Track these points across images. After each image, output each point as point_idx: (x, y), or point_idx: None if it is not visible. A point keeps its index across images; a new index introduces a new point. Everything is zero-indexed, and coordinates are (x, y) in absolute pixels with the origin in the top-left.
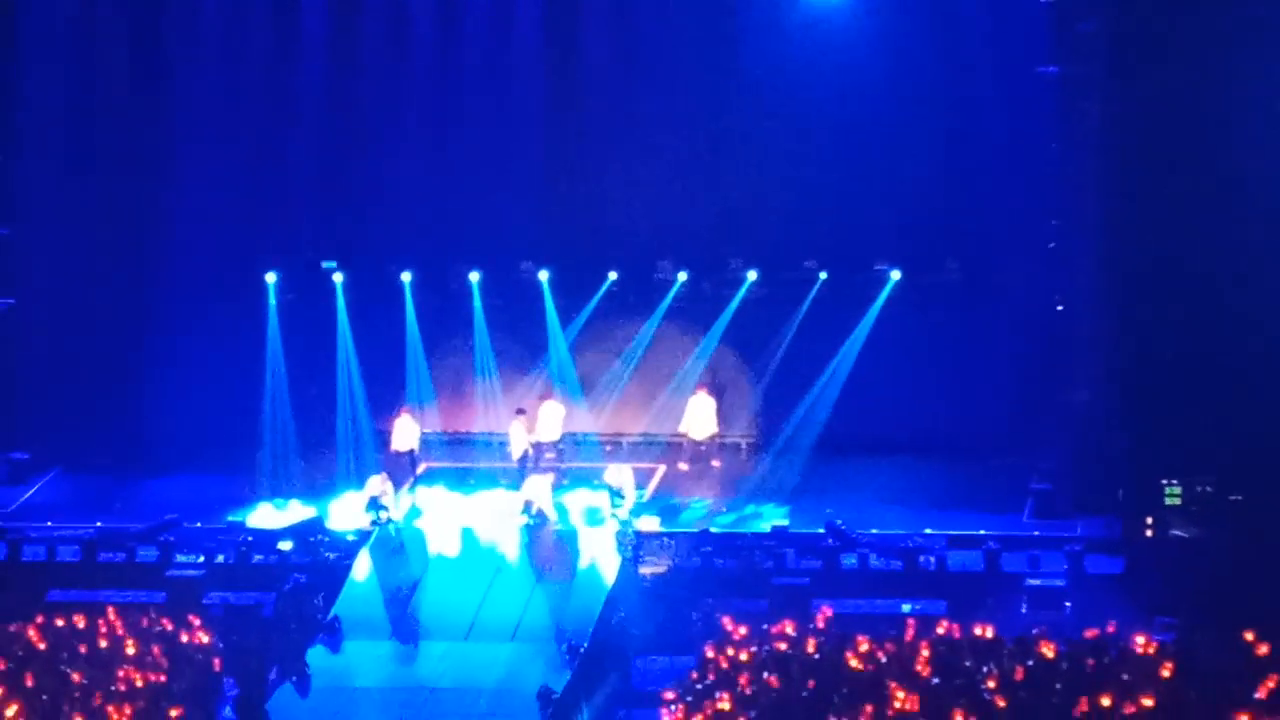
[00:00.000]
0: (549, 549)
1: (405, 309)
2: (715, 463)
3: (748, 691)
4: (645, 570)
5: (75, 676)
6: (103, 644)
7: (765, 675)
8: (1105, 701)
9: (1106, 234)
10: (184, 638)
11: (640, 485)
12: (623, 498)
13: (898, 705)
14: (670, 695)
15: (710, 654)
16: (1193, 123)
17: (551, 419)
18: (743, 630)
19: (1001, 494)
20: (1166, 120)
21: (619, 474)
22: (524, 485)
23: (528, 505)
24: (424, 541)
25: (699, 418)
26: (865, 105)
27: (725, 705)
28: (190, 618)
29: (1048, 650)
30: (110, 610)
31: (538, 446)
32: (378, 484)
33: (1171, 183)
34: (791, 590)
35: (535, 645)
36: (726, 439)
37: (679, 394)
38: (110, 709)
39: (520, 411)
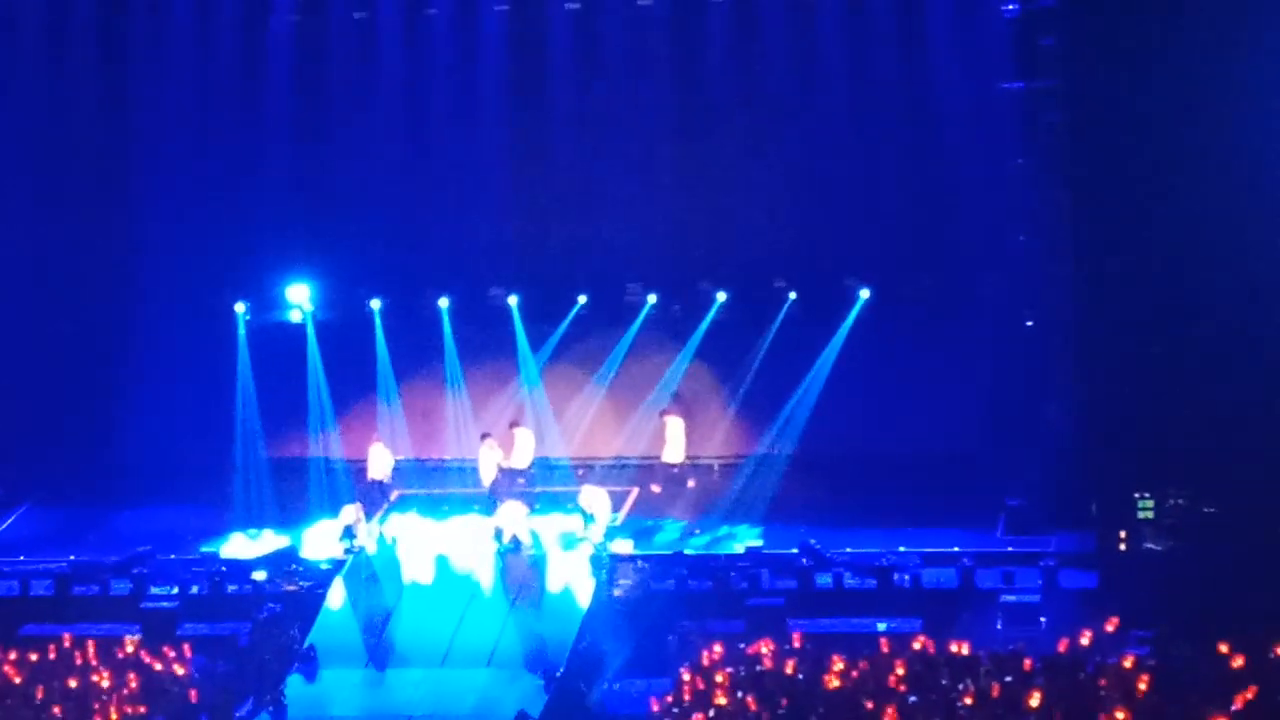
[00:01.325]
0: (523, 575)
1: (375, 336)
2: (691, 483)
3: (725, 713)
4: (620, 584)
5: (53, 710)
6: (78, 678)
7: (742, 696)
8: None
9: (1075, 247)
10: (159, 669)
11: (614, 508)
12: (595, 520)
13: None
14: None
15: (687, 676)
16: (1158, 133)
17: (522, 446)
18: (718, 651)
19: (975, 510)
20: (1132, 132)
21: (591, 496)
22: (498, 512)
23: (499, 532)
24: (398, 569)
25: (670, 442)
26: (832, 123)
27: None
28: (165, 649)
29: (1025, 665)
30: (86, 643)
31: (508, 473)
32: (351, 513)
33: (1139, 195)
34: (767, 611)
35: (511, 670)
36: (699, 460)
37: (651, 416)
38: None
39: (486, 435)
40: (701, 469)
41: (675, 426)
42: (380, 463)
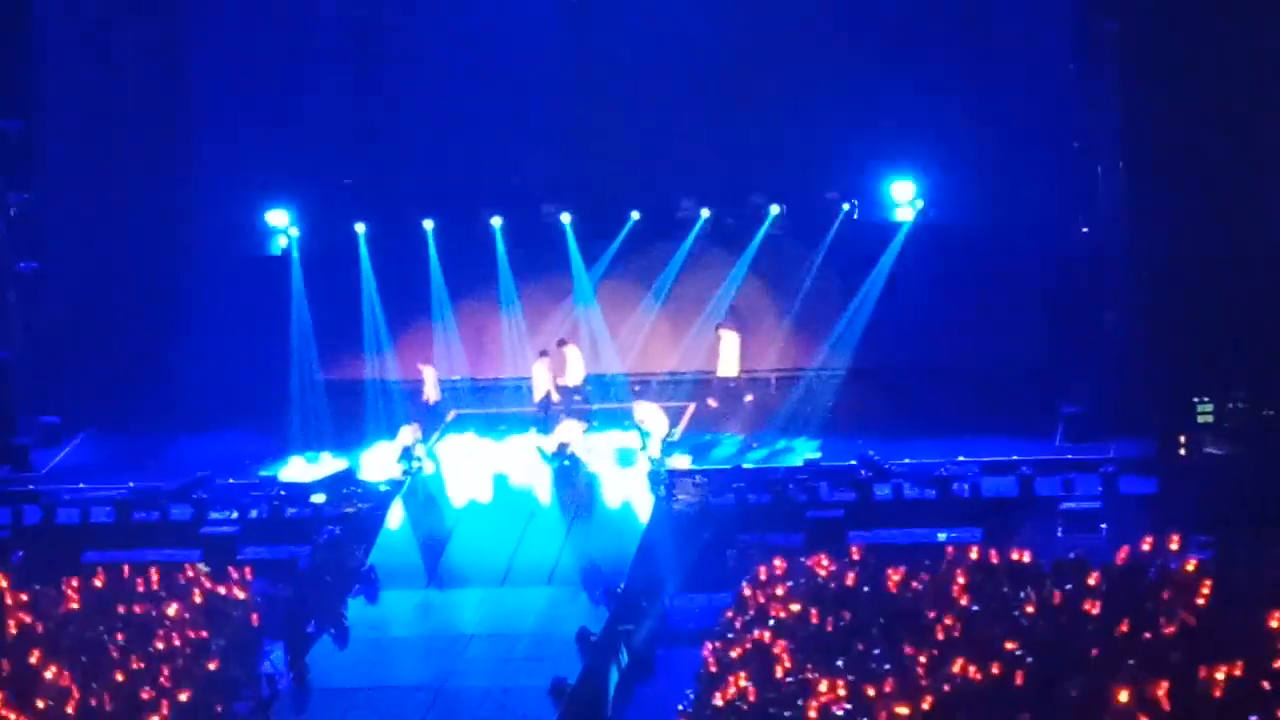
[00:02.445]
0: (579, 491)
1: (429, 256)
2: (748, 398)
3: (786, 625)
4: (679, 499)
5: (116, 636)
6: (140, 603)
7: (803, 608)
8: (1145, 623)
9: (1129, 152)
10: (220, 593)
11: (671, 424)
12: (651, 436)
13: (936, 634)
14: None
15: (747, 590)
16: (1214, 36)
17: (574, 363)
18: (779, 564)
19: (1033, 418)
20: (1186, 36)
21: (646, 412)
22: (555, 430)
23: (561, 449)
24: (454, 490)
25: (725, 357)
26: (883, 32)
27: (765, 640)
28: (227, 574)
29: (1086, 573)
30: (147, 569)
31: (563, 390)
32: (409, 434)
33: (1194, 99)
34: (826, 523)
35: (571, 588)
36: (756, 374)
37: (706, 331)
38: (150, 667)
39: (543, 353)
40: (758, 383)
41: (730, 341)
42: (430, 384)
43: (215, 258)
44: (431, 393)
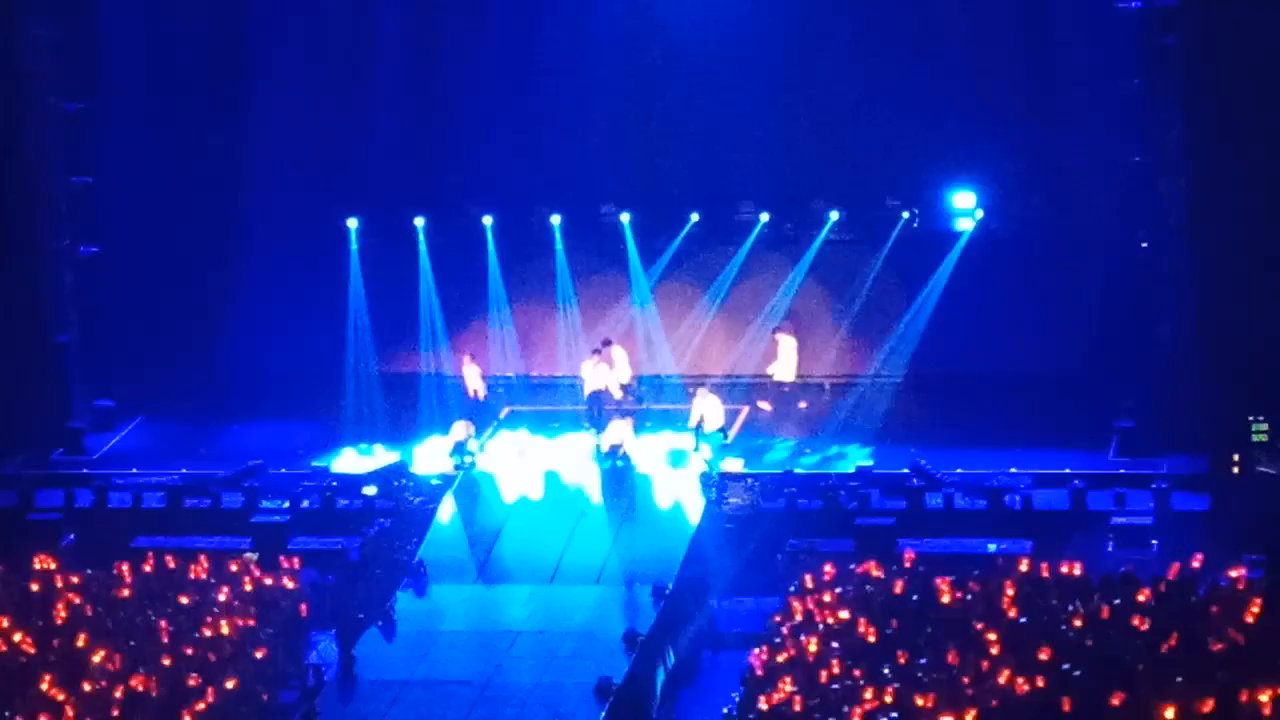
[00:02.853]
0: (628, 494)
1: (487, 253)
2: (802, 404)
3: (833, 632)
4: (730, 502)
5: (162, 622)
6: (189, 590)
7: (851, 615)
8: (1194, 641)
9: (1189, 167)
10: (269, 583)
11: (725, 425)
12: (704, 433)
13: (984, 645)
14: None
15: (795, 597)
16: (1274, 53)
17: (620, 364)
18: (828, 570)
19: (1087, 432)
20: (1247, 52)
21: (705, 402)
22: (607, 428)
23: (613, 450)
24: (505, 486)
25: (782, 361)
26: (946, 40)
27: (812, 646)
28: (277, 563)
29: (1136, 588)
30: (197, 556)
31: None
32: (462, 429)
33: (1253, 115)
34: (876, 530)
35: (620, 588)
36: (810, 379)
37: (762, 335)
38: (198, 654)
39: (595, 352)
40: (812, 388)
41: (787, 345)
42: (472, 379)
43: (274, 247)
44: (476, 387)
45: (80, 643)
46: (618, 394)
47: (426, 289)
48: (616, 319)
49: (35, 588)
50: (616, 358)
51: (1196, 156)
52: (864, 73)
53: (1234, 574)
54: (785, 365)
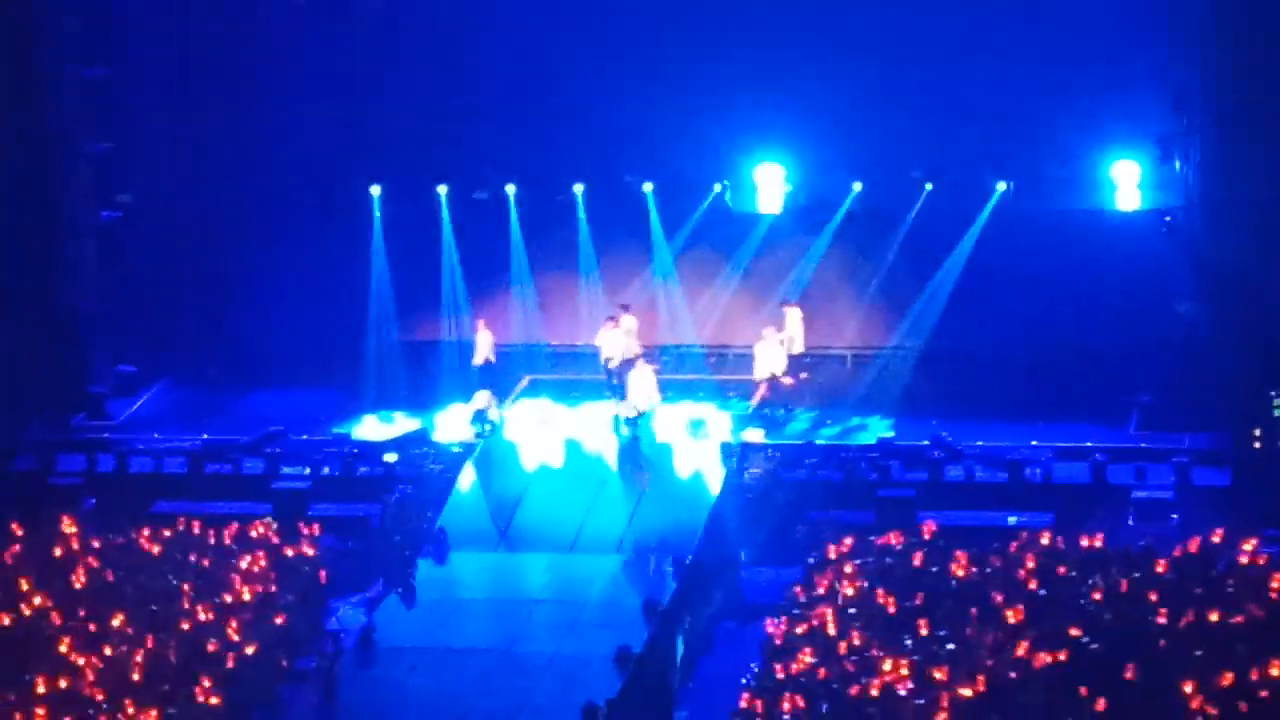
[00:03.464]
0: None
1: (510, 221)
2: (803, 375)
3: (852, 603)
4: (750, 473)
5: (183, 587)
6: (210, 555)
7: (870, 587)
8: (1213, 615)
9: (1210, 140)
10: (289, 549)
11: (745, 397)
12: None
13: (1003, 617)
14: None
15: (815, 567)
16: None
17: (630, 331)
18: (848, 541)
19: (1108, 406)
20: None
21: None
22: (629, 381)
23: (634, 418)
24: (526, 455)
25: (789, 333)
26: (967, 14)
27: (831, 617)
28: (297, 529)
29: (1155, 562)
30: (218, 522)
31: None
32: (484, 398)
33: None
34: (897, 502)
35: (640, 557)
36: (831, 350)
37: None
38: (218, 619)
39: (610, 319)
40: (832, 359)
41: (794, 318)
42: (483, 345)
43: (296, 213)
44: (487, 354)
45: (101, 607)
46: (605, 355)
47: (448, 257)
48: (639, 289)
49: (57, 552)
50: (627, 325)
51: (1219, 132)
52: (887, 45)
53: (1247, 547)
54: (795, 338)
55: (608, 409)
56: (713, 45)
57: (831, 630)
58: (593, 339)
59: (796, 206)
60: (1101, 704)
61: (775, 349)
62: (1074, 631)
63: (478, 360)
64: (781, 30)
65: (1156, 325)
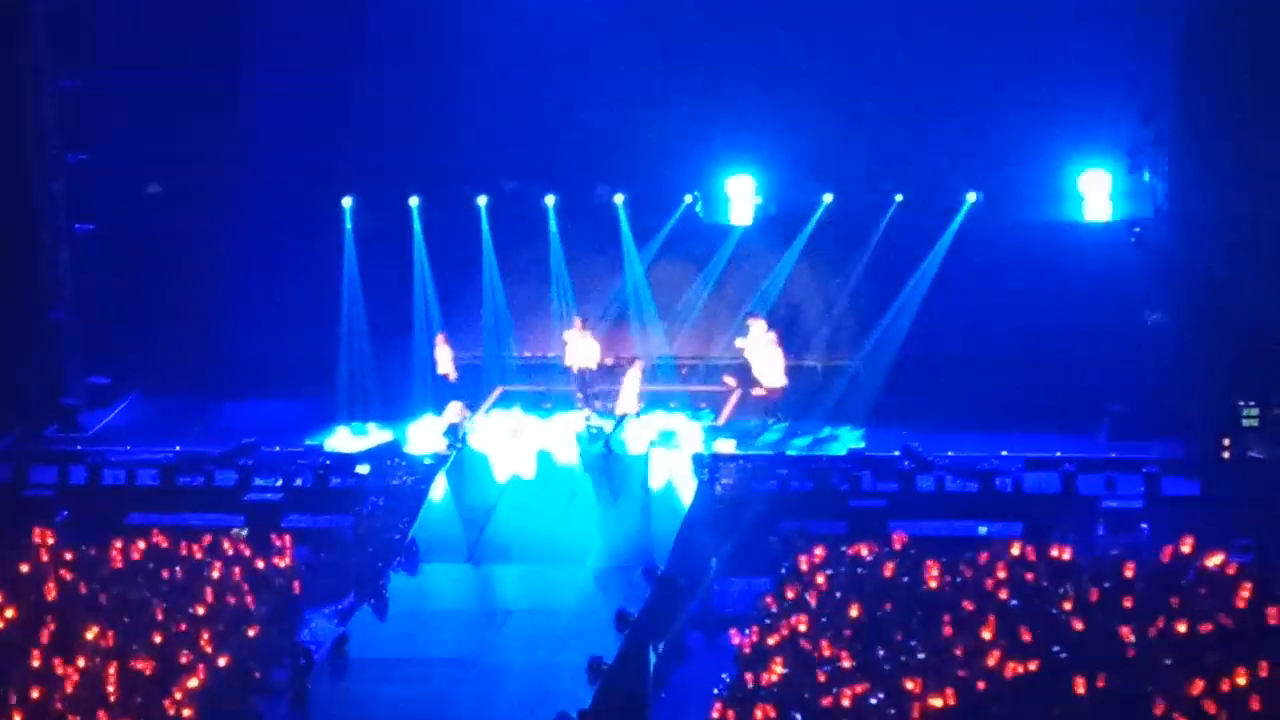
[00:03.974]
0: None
1: (481, 232)
2: (755, 390)
3: (824, 613)
4: (722, 484)
5: (156, 599)
6: (183, 567)
7: (842, 597)
8: (1182, 625)
9: (1182, 154)
10: (261, 562)
11: (715, 409)
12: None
13: (974, 627)
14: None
15: (787, 578)
16: (1270, 34)
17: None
18: (819, 552)
19: (1078, 415)
20: (1247, 35)
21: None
22: (624, 384)
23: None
24: (498, 466)
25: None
26: (935, 28)
27: (803, 628)
28: (269, 541)
29: (1125, 571)
30: (190, 534)
31: (585, 373)
32: (456, 410)
33: (1250, 101)
34: (868, 513)
35: (612, 568)
36: (804, 362)
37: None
38: (190, 631)
39: (579, 322)
40: (804, 370)
41: (758, 330)
42: (444, 359)
43: (269, 224)
44: (447, 370)
45: (73, 619)
46: (593, 366)
47: (421, 268)
48: (609, 300)
49: (27, 566)
50: (586, 338)
51: (1188, 144)
52: (862, 58)
53: (1211, 561)
54: (755, 350)
55: (579, 419)
56: (684, 57)
57: (803, 641)
58: (565, 351)
59: (767, 218)
60: (1072, 713)
61: (760, 338)
62: (1045, 640)
63: (445, 374)
64: (752, 42)
65: (1126, 335)
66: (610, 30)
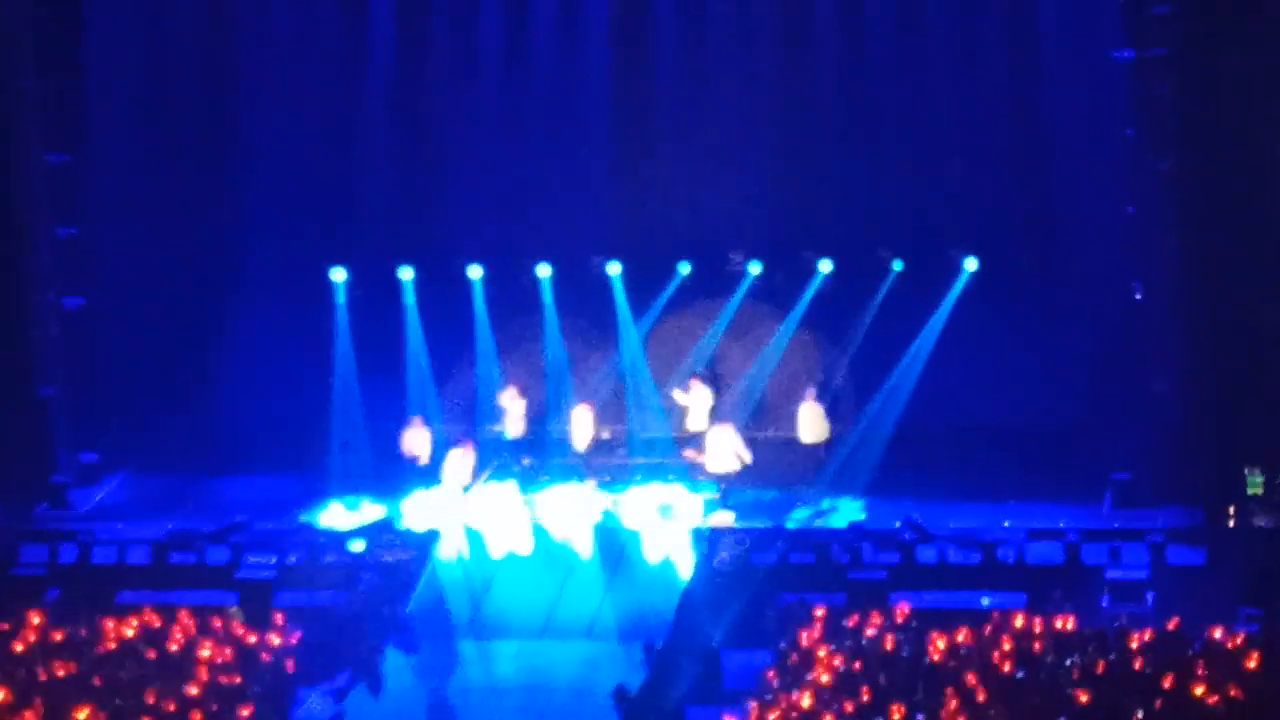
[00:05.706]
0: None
1: (474, 305)
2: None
3: (827, 687)
4: (720, 557)
5: (148, 678)
6: (175, 646)
7: (843, 670)
8: (1191, 694)
9: (1184, 218)
10: (255, 639)
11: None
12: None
13: (978, 700)
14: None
15: (787, 651)
16: (1270, 104)
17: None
18: (820, 625)
19: (1081, 484)
20: (1243, 102)
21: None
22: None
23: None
24: (493, 541)
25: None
26: (937, 91)
27: (804, 702)
28: (272, 617)
29: (1131, 642)
30: (182, 612)
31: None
32: (460, 456)
33: (1249, 166)
34: (869, 584)
35: (610, 643)
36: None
37: (754, 388)
38: (181, 711)
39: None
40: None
41: (700, 393)
42: (418, 443)
43: (260, 299)
44: (418, 453)
45: (63, 701)
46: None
47: (414, 341)
48: (605, 372)
49: (20, 645)
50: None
51: (1190, 207)
52: (853, 122)
53: (1217, 634)
54: (698, 414)
55: (586, 492)
56: (677, 124)
57: (805, 715)
58: (560, 424)
59: (762, 287)
60: None
61: (702, 401)
62: (1050, 713)
63: (415, 455)
64: (746, 108)
65: (1130, 402)
66: (601, 98)
